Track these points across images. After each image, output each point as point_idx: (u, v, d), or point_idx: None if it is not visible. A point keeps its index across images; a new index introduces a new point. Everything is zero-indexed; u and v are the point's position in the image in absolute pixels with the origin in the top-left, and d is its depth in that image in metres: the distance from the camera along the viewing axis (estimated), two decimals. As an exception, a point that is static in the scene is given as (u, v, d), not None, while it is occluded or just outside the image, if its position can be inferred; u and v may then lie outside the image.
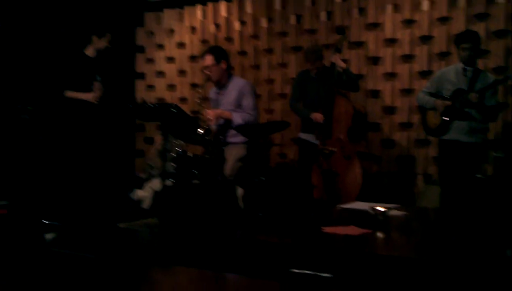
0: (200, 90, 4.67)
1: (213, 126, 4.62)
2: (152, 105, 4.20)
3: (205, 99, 5.08)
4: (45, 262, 3.68)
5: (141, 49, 7.16)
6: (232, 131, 4.63)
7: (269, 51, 6.43)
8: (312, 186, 4.99)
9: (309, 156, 5.20)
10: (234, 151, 4.60)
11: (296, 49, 6.23)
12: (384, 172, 5.76)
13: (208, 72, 4.63)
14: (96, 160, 5.18)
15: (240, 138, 4.60)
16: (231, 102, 4.62)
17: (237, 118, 4.54)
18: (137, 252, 3.83)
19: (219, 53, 4.67)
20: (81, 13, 6.00)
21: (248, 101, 4.60)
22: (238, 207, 4.20)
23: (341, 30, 5.13)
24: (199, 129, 4.47)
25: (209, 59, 4.60)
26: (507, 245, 2.50)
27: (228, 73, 4.75)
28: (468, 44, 4.31)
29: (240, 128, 4.51)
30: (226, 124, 4.64)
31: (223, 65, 4.64)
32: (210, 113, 4.53)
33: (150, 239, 4.04)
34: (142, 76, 7.17)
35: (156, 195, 5.78)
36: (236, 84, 4.66)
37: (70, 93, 5.04)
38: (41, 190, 4.74)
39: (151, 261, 3.62)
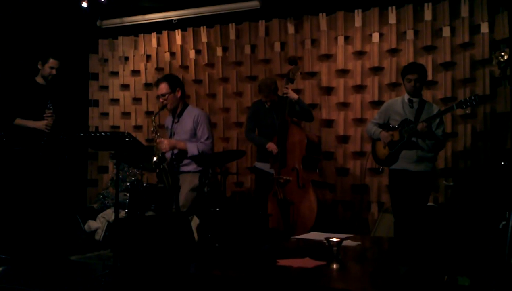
0: (154, 118, 4.65)
1: (167, 154, 4.60)
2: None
3: (160, 127, 5.05)
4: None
5: (95, 76, 7.07)
6: (186, 160, 4.62)
7: (224, 80, 6.48)
8: (268, 215, 5.00)
9: (264, 185, 5.22)
10: (187, 179, 4.57)
11: (251, 78, 6.30)
12: (339, 200, 5.84)
13: (163, 100, 4.61)
14: (46, 190, 5.02)
15: (193, 167, 4.61)
16: (187, 132, 4.62)
17: (192, 148, 4.54)
18: (89, 286, 3.73)
19: (174, 81, 4.66)
20: (33, 40, 5.89)
21: (202, 131, 4.60)
22: (192, 238, 4.16)
23: (293, 61, 5.22)
24: (154, 158, 4.43)
25: (164, 88, 4.59)
26: (458, 272, 2.57)
27: (183, 102, 4.75)
28: (414, 75, 4.46)
29: (195, 158, 4.51)
30: (181, 154, 4.62)
31: (178, 94, 4.64)
32: (164, 142, 4.50)
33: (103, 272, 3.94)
34: (96, 103, 7.07)
35: (110, 226, 5.67)
36: (191, 114, 4.66)
37: (20, 121, 4.90)
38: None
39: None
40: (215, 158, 5.19)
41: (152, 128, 4.63)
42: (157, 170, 4.50)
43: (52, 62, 5.01)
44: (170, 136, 4.70)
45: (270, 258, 2.73)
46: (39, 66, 5.05)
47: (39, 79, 5.06)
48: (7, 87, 5.08)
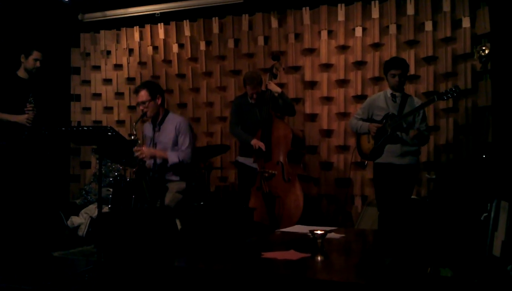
0: (135, 126, 4.51)
1: (147, 163, 4.48)
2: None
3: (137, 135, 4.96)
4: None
5: (77, 71, 7.00)
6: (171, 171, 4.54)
7: (208, 74, 6.45)
8: (252, 209, 5.00)
9: (248, 179, 5.22)
10: (174, 186, 4.49)
11: (235, 72, 6.29)
12: (323, 194, 5.87)
13: (143, 108, 4.50)
14: (28, 186, 4.96)
15: (179, 175, 4.57)
16: (169, 141, 4.51)
17: (172, 157, 4.42)
18: (73, 282, 3.70)
19: (154, 88, 4.53)
20: (14, 34, 5.81)
21: (184, 139, 4.49)
22: (177, 233, 4.14)
23: (276, 56, 5.22)
24: (134, 168, 4.38)
25: (144, 95, 4.45)
26: (440, 264, 2.59)
27: (164, 109, 4.65)
28: (398, 70, 4.49)
29: (175, 167, 4.44)
30: (164, 163, 4.51)
31: (159, 101, 4.50)
32: (143, 151, 4.36)
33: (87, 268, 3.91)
34: (78, 98, 7.00)
35: (93, 221, 5.63)
36: (173, 121, 4.54)
37: (1, 115, 4.83)
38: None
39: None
40: (199, 153, 5.18)
41: (132, 137, 4.50)
42: (140, 178, 4.41)
43: (36, 54, 4.96)
44: (152, 146, 4.58)
45: (255, 250, 2.73)
46: (22, 60, 4.98)
47: (20, 73, 4.99)
48: None
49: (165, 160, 4.48)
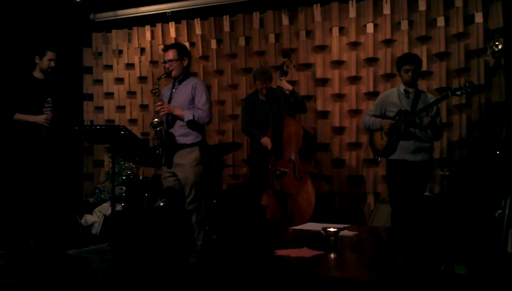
0: (158, 81, 4.52)
1: (164, 119, 4.43)
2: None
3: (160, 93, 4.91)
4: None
5: (89, 70, 7.04)
6: (184, 132, 4.42)
7: (219, 72, 6.46)
8: (264, 207, 5.01)
9: (259, 177, 5.22)
10: (187, 155, 4.36)
11: (246, 70, 6.29)
12: (335, 192, 5.85)
13: (169, 66, 4.48)
14: (43, 185, 5.01)
15: (190, 138, 4.41)
16: (184, 98, 4.46)
17: (188, 114, 4.36)
18: (87, 280, 3.73)
19: (182, 49, 4.54)
20: (27, 35, 5.85)
21: (201, 98, 4.45)
22: (191, 230, 4.16)
23: (286, 53, 5.21)
24: (155, 120, 4.33)
25: (172, 53, 4.46)
26: (454, 261, 2.58)
27: (187, 72, 4.63)
28: (411, 66, 4.46)
29: (191, 124, 4.37)
30: (175, 121, 4.44)
31: (185, 62, 4.53)
32: (164, 105, 4.35)
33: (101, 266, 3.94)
34: (90, 97, 7.05)
35: (106, 219, 5.67)
36: (191, 81, 4.54)
37: (20, 116, 4.88)
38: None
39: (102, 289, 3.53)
40: (211, 151, 5.19)
41: (153, 91, 4.52)
42: (155, 132, 4.37)
43: (50, 54, 5.00)
44: (168, 102, 4.52)
45: (267, 248, 2.74)
46: (37, 60, 5.02)
47: (36, 74, 5.04)
48: (4, 83, 5.06)
49: (177, 120, 4.41)
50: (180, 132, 4.41)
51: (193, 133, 4.41)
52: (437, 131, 4.46)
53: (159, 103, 4.34)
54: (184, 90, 4.48)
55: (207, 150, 4.62)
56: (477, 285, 2.14)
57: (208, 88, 6.34)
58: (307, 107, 5.43)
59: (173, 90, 4.53)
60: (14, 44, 5.73)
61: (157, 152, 4.32)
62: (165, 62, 4.54)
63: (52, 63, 5.02)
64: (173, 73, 4.48)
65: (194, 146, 4.39)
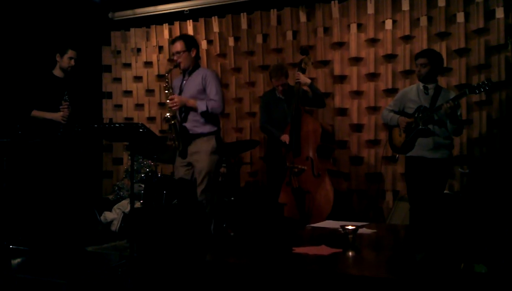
0: (167, 75, 4.54)
1: (177, 113, 4.47)
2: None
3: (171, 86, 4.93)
4: (11, 289, 3.58)
5: (108, 69, 7.10)
6: (199, 121, 4.43)
7: (237, 70, 6.47)
8: (282, 204, 5.00)
9: (277, 174, 5.22)
10: (203, 145, 4.39)
11: (264, 68, 6.29)
12: (353, 189, 5.83)
13: (177, 58, 4.50)
14: (62, 182, 5.07)
15: (207, 127, 4.42)
16: (195, 88, 4.46)
17: (201, 105, 4.36)
18: (106, 276, 3.77)
19: (190, 40, 4.55)
20: (46, 33, 5.92)
21: (211, 88, 4.43)
22: (208, 227, 4.18)
23: (304, 50, 5.19)
24: (167, 114, 4.37)
25: (179, 45, 4.47)
26: (474, 259, 2.55)
27: (196, 63, 4.62)
28: (423, 59, 4.42)
29: (205, 115, 4.37)
30: (189, 113, 4.45)
31: (193, 53, 4.52)
32: (175, 99, 4.36)
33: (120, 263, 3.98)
34: (109, 95, 7.11)
35: (125, 216, 5.72)
36: (201, 72, 4.53)
37: (37, 113, 4.95)
38: (7, 214, 4.62)
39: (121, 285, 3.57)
40: (228, 149, 5.20)
41: (164, 85, 4.55)
42: (168, 125, 4.40)
43: (70, 52, 5.06)
44: (178, 94, 4.53)
45: (285, 246, 2.74)
46: (58, 59, 5.08)
47: (56, 72, 5.10)
48: (24, 80, 5.13)
49: (191, 111, 4.43)
50: (196, 123, 4.42)
51: (209, 123, 4.42)
52: (456, 121, 4.33)
53: (170, 98, 4.37)
54: (194, 82, 4.48)
55: (221, 140, 4.63)
56: (498, 284, 2.11)
57: (226, 85, 6.45)
58: (325, 103, 5.41)
59: (184, 81, 4.54)
60: (35, 43, 5.81)
61: (173, 145, 4.34)
62: (173, 54, 4.56)
63: (73, 62, 5.07)
64: (182, 65, 4.49)
65: (211, 135, 4.42)
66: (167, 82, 4.48)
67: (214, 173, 4.36)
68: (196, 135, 4.40)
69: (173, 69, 4.57)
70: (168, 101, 4.38)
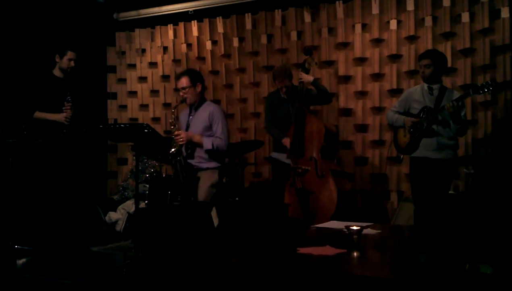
0: (173, 111, 4.63)
1: (183, 148, 4.58)
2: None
3: (177, 119, 5.04)
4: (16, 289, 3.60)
5: (113, 69, 7.12)
6: (204, 158, 4.58)
7: (241, 70, 6.47)
8: (286, 204, 5.00)
9: (281, 174, 5.21)
10: (206, 176, 4.54)
11: (268, 68, 6.29)
12: (358, 190, 5.82)
13: (183, 94, 4.61)
14: (67, 182, 5.08)
15: (212, 163, 4.58)
16: (201, 125, 4.59)
17: (207, 142, 4.51)
18: (111, 277, 3.78)
19: (195, 75, 4.66)
20: (50, 33, 5.94)
21: (218, 127, 4.56)
22: (212, 228, 4.18)
23: (308, 51, 5.19)
24: (172, 149, 4.44)
25: (185, 81, 4.58)
26: (479, 260, 2.54)
27: (202, 97, 4.74)
28: (426, 59, 4.41)
29: (210, 153, 4.50)
30: (195, 148, 4.58)
31: (198, 88, 4.63)
32: (181, 135, 4.49)
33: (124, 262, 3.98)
34: (114, 96, 7.12)
35: (130, 217, 5.73)
36: (207, 108, 4.64)
37: (40, 114, 4.96)
38: (12, 214, 4.63)
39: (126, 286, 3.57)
40: (233, 149, 5.20)
41: (170, 120, 4.63)
42: (173, 161, 4.50)
43: (70, 54, 5.07)
44: (186, 129, 4.68)
45: (290, 246, 2.73)
46: (57, 59, 5.09)
47: (56, 72, 5.11)
48: (25, 81, 5.14)
49: (197, 146, 4.55)
50: (201, 159, 4.59)
51: (214, 160, 4.59)
52: (459, 122, 4.31)
53: (176, 133, 4.47)
54: (201, 118, 4.61)
55: (226, 171, 4.80)
56: (503, 285, 2.10)
57: (230, 86, 6.45)
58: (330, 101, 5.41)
59: (190, 117, 4.65)
60: (40, 44, 5.83)
61: (181, 178, 4.42)
62: (178, 90, 4.64)
63: (72, 63, 5.08)
64: (188, 101, 4.62)
65: (215, 169, 4.59)
66: (173, 117, 4.56)
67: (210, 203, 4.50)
68: (202, 169, 4.57)
69: (179, 105, 4.68)
70: (174, 136, 4.46)
